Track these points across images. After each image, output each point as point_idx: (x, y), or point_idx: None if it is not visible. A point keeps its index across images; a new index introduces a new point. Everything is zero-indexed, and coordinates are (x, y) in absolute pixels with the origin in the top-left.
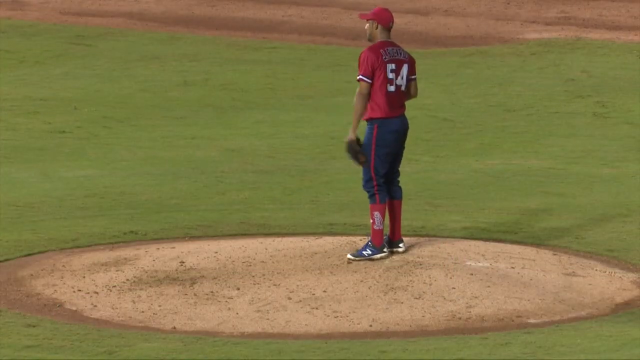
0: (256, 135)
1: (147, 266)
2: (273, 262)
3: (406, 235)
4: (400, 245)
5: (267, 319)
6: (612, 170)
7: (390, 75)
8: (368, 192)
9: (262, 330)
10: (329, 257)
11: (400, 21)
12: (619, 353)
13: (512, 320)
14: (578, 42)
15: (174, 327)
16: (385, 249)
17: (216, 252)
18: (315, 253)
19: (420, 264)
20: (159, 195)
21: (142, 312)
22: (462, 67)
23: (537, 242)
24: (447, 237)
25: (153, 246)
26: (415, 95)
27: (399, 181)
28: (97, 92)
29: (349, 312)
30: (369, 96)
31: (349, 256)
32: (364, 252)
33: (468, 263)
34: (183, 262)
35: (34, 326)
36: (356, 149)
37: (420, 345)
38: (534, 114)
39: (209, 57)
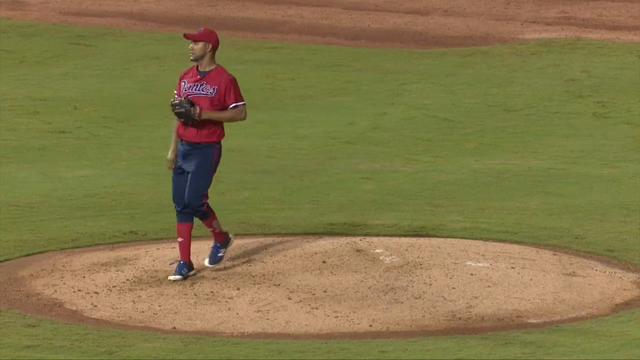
0: (256, 135)
1: (147, 266)
2: (273, 262)
3: (406, 235)
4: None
5: (267, 319)
6: (612, 170)
7: None
8: (196, 211)
9: (262, 330)
10: (329, 257)
11: (400, 21)
12: (619, 353)
13: (512, 320)
14: (578, 42)
15: (174, 327)
16: (230, 235)
17: None
18: (315, 253)
19: (420, 264)
20: (159, 195)
21: (142, 312)
22: (462, 67)
23: (537, 242)
24: (447, 237)
25: (153, 246)
26: None
27: None
28: (97, 92)
29: (349, 312)
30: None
31: (207, 264)
32: (219, 255)
33: (468, 263)
34: None
35: (34, 326)
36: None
37: (420, 345)
38: (534, 114)
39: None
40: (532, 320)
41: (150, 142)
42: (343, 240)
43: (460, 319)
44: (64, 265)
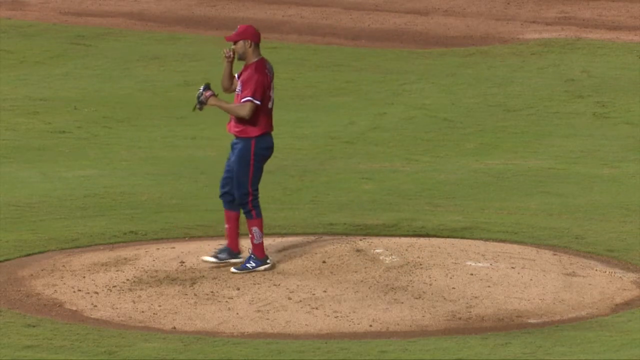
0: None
1: (147, 266)
2: (269, 261)
3: (406, 235)
4: (240, 256)
5: (267, 319)
6: (612, 170)
7: (272, 93)
8: (244, 208)
9: (262, 330)
10: (329, 257)
11: (400, 21)
12: (619, 353)
13: (512, 320)
14: (578, 42)
15: (174, 327)
16: (268, 260)
17: None
18: (315, 253)
19: (420, 264)
20: (159, 195)
21: (142, 312)
22: (462, 67)
23: (537, 242)
24: (447, 237)
25: (153, 246)
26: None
27: None
28: (97, 92)
29: (349, 312)
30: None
31: (232, 270)
32: (247, 265)
33: (468, 263)
34: (183, 262)
35: (34, 326)
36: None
37: (420, 345)
38: (534, 114)
39: (209, 57)
40: (532, 320)
41: (150, 142)
42: (343, 240)
43: (460, 319)
44: (64, 265)
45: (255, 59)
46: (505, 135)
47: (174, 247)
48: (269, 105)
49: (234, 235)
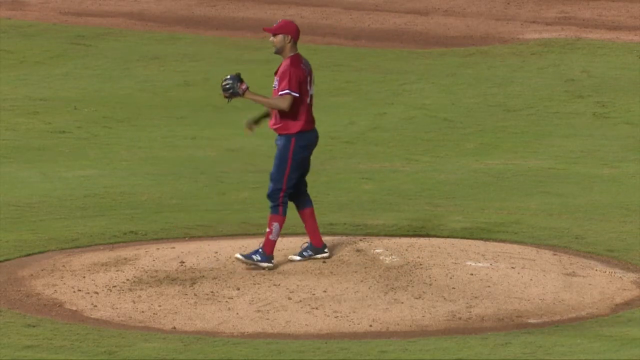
0: (256, 135)
1: (147, 266)
2: (273, 262)
3: (406, 235)
4: (326, 250)
5: (267, 319)
6: (612, 170)
7: (309, 88)
8: (273, 202)
9: (262, 330)
10: (329, 257)
11: (400, 21)
12: (619, 353)
13: (512, 320)
14: (578, 42)
15: (174, 327)
16: (273, 261)
17: (216, 252)
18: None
19: (420, 264)
20: (159, 195)
21: (142, 312)
22: (462, 67)
23: (537, 242)
24: (447, 237)
25: (153, 246)
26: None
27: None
28: (97, 92)
29: (349, 312)
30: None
31: (237, 255)
32: (253, 256)
33: (468, 263)
34: (183, 262)
35: (34, 326)
36: (235, 92)
37: (420, 345)
38: (534, 114)
39: (209, 57)
40: (532, 320)
41: (150, 142)
42: (343, 240)
43: (460, 319)
44: (64, 265)
45: (287, 57)
46: (505, 135)
47: (174, 247)
48: (308, 101)
49: (313, 231)
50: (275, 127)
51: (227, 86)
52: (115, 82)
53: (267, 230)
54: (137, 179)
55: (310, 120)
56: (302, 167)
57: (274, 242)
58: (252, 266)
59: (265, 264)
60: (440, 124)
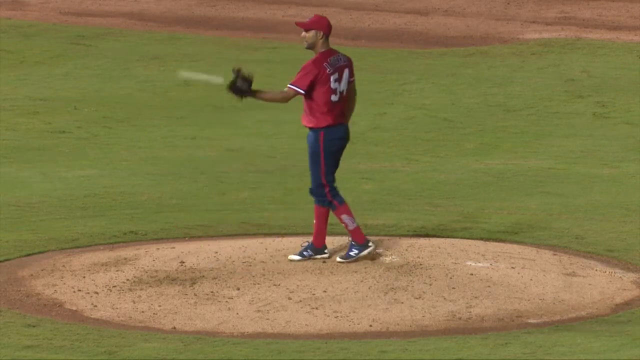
0: (256, 135)
1: (147, 266)
2: (273, 262)
3: (406, 236)
4: (326, 251)
5: (267, 319)
6: (612, 170)
7: (334, 85)
8: (322, 199)
9: (262, 330)
10: (329, 258)
11: (400, 21)
12: (619, 353)
13: (512, 320)
14: (578, 42)
15: (174, 327)
16: (370, 243)
17: (216, 252)
18: None
19: (420, 264)
20: (159, 195)
21: (142, 312)
22: (462, 67)
23: (537, 242)
24: (447, 237)
25: (153, 246)
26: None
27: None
28: (97, 92)
29: (349, 312)
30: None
31: (338, 259)
32: (350, 254)
33: (468, 263)
34: (183, 262)
35: (34, 326)
36: (242, 88)
37: (420, 345)
38: (534, 114)
39: (209, 57)
40: (532, 320)
41: (150, 142)
42: (343, 240)
43: (460, 319)
44: (64, 265)
45: (322, 51)
46: (505, 135)
47: (174, 247)
48: (333, 97)
49: (319, 232)
50: (304, 122)
51: (235, 84)
52: (115, 82)
53: (343, 225)
54: (137, 179)
55: (339, 114)
56: (336, 159)
57: (357, 227)
58: (355, 260)
59: (366, 251)
60: (440, 124)
